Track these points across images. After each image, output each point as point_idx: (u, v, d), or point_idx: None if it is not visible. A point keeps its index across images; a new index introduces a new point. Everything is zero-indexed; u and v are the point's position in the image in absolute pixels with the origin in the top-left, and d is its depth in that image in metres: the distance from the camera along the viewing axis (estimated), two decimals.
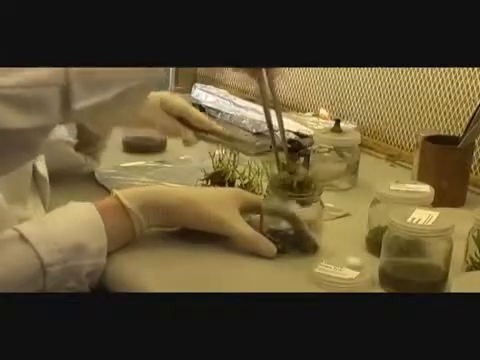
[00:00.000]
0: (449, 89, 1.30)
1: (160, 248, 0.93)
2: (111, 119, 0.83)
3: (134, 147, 1.31)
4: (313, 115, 1.53)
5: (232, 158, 1.07)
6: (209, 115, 1.49)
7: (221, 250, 0.92)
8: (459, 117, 1.29)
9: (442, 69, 1.31)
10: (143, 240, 0.92)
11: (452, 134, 1.28)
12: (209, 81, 1.82)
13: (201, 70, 1.90)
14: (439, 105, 1.33)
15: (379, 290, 0.85)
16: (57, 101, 0.71)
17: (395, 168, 1.33)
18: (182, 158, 1.28)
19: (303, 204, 0.91)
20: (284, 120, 0.96)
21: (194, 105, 1.31)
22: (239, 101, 1.56)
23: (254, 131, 1.42)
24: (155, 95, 1.11)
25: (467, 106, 1.27)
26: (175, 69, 1.81)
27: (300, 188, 0.90)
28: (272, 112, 0.95)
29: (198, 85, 1.69)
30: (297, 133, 1.34)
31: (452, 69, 1.29)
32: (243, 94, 1.72)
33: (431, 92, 1.34)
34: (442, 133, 1.29)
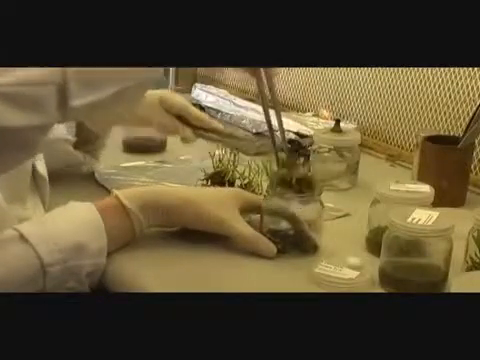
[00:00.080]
0: (449, 89, 1.30)
1: (160, 248, 0.93)
2: (108, 117, 0.83)
3: (134, 147, 1.31)
4: (313, 115, 1.53)
5: (232, 158, 1.07)
6: (209, 115, 1.49)
7: (221, 250, 0.92)
8: (459, 117, 1.29)
9: (442, 69, 1.31)
10: (143, 240, 0.92)
11: (452, 134, 1.28)
12: (209, 81, 1.82)
13: (201, 70, 1.90)
14: (439, 105, 1.33)
15: (379, 290, 0.85)
16: (54, 99, 0.71)
17: (395, 168, 1.33)
18: (182, 158, 1.28)
19: (303, 202, 0.91)
20: (284, 120, 0.96)
21: (194, 105, 1.31)
22: (239, 101, 1.56)
23: (254, 131, 1.42)
24: (153, 93, 1.11)
25: (467, 106, 1.27)
26: (175, 69, 1.81)
27: (299, 185, 0.90)
28: (272, 112, 0.95)
29: (198, 85, 1.69)
30: (297, 133, 1.34)
31: (452, 69, 1.29)
32: (243, 94, 1.72)
33: (431, 92, 1.34)
34: (442, 133, 1.29)
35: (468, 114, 1.24)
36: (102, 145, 1.17)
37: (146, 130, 1.28)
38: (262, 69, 0.90)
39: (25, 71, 0.69)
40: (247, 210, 0.95)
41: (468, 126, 1.10)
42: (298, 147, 1.29)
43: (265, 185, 0.97)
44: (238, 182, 1.05)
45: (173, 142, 1.28)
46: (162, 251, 0.92)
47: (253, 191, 1.03)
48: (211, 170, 1.07)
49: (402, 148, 1.40)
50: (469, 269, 0.87)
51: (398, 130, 1.42)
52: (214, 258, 0.91)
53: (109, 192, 0.96)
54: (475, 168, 1.24)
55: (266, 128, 1.04)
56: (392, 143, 1.43)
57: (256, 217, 0.95)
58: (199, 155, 1.23)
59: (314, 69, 1.62)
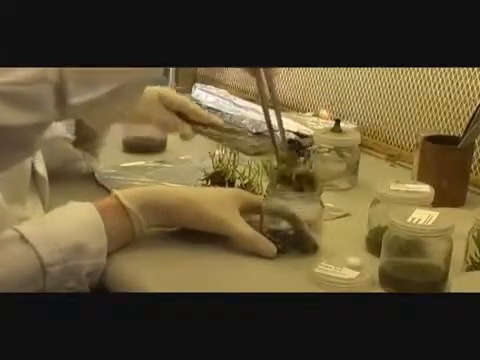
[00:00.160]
0: (449, 89, 1.30)
1: (160, 248, 0.92)
2: (107, 115, 0.83)
3: (134, 147, 1.31)
4: (313, 115, 1.53)
5: (232, 158, 1.07)
6: None
7: (221, 250, 0.92)
8: (459, 117, 1.28)
9: (442, 69, 1.31)
10: (143, 240, 0.92)
11: (452, 134, 1.28)
12: (209, 81, 1.82)
13: (201, 70, 1.90)
14: (439, 105, 1.33)
15: (379, 290, 0.85)
16: (52, 98, 0.71)
17: (395, 168, 1.33)
18: (182, 158, 1.28)
19: (303, 202, 0.91)
20: (284, 120, 0.96)
21: None
22: (239, 101, 1.56)
23: (254, 131, 1.42)
24: (152, 90, 1.11)
25: (467, 106, 1.27)
26: (175, 69, 1.81)
27: (300, 182, 0.90)
28: (272, 112, 0.95)
29: (198, 85, 1.69)
30: (297, 133, 1.34)
31: (452, 69, 1.29)
32: (243, 94, 1.72)
33: (431, 92, 1.34)
34: (442, 133, 1.29)
35: (468, 114, 1.24)
36: (101, 143, 1.17)
37: (146, 130, 1.28)
38: (262, 69, 0.91)
39: (23, 70, 0.69)
40: (247, 210, 0.95)
41: (468, 126, 1.10)
42: (298, 147, 1.29)
43: (265, 185, 0.97)
44: (238, 182, 1.05)
45: (173, 142, 1.28)
46: (162, 251, 0.92)
47: (253, 191, 1.03)
48: (211, 170, 1.07)
49: (402, 148, 1.40)
50: (469, 269, 0.86)
51: (398, 130, 1.42)
52: (214, 258, 0.91)
53: (109, 192, 0.96)
54: (475, 168, 1.24)
55: (266, 128, 1.04)
56: (392, 143, 1.43)
57: (256, 217, 0.95)
58: (199, 155, 1.23)
59: (314, 69, 1.62)
